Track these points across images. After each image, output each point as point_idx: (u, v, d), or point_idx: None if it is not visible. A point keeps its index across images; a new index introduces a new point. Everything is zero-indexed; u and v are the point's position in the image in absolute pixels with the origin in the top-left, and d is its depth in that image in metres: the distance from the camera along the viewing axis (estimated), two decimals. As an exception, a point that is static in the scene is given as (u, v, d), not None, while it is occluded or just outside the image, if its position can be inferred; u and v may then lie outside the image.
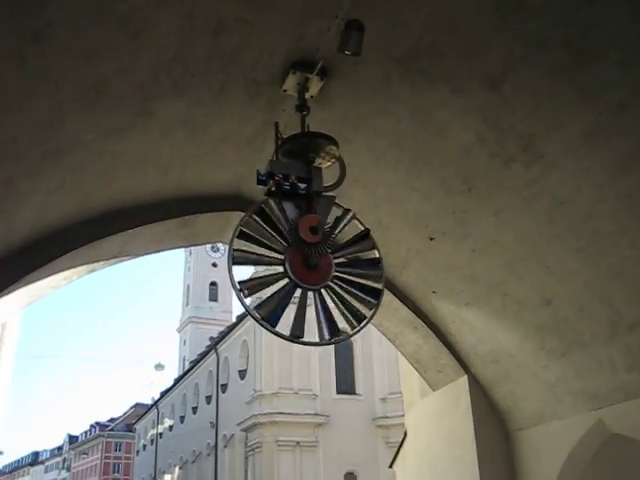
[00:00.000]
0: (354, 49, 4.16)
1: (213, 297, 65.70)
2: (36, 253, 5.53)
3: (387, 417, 32.46)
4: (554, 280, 5.52)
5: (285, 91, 4.82)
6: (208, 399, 42.28)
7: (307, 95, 4.79)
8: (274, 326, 4.06)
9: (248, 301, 4.15)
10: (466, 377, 6.91)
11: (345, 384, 35.21)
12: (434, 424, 7.56)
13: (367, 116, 5.21)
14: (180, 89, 4.65)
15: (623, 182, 4.64)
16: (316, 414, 33.34)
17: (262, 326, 4.07)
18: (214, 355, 41.25)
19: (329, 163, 4.62)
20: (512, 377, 6.52)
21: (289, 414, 32.57)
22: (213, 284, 65.45)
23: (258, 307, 4.10)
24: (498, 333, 6.37)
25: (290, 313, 4.13)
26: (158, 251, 6.83)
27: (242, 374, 36.84)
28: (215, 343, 42.03)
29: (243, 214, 4.92)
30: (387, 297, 6.85)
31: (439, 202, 5.70)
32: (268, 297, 4.13)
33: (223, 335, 40.89)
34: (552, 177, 4.95)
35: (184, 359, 62.37)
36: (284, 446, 32.15)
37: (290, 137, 4.50)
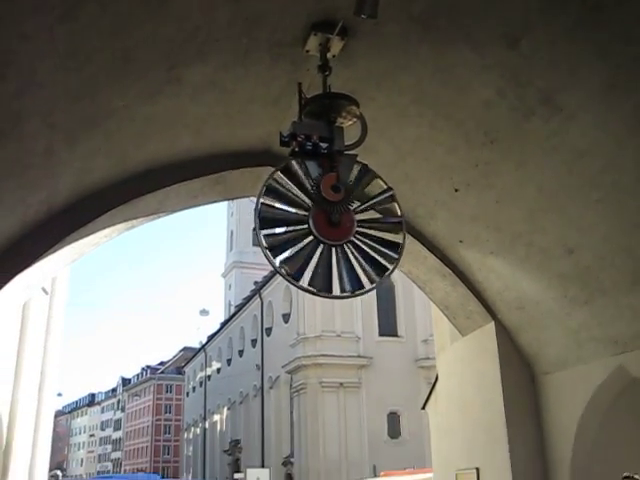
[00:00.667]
0: (369, 12, 4.26)
1: (256, 242, 66.05)
2: (77, 214, 5.85)
3: (429, 358, 32.89)
4: (575, 231, 5.65)
5: (308, 52, 4.94)
6: (253, 342, 43.39)
7: (329, 55, 4.90)
8: (298, 280, 4.31)
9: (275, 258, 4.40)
10: (493, 323, 7.12)
11: (387, 326, 35.76)
12: (464, 368, 7.83)
13: (389, 74, 5.32)
14: (205, 55, 4.83)
15: (641, 135, 4.71)
16: (359, 356, 34.03)
17: (288, 281, 4.32)
18: (258, 300, 42.10)
19: (351, 122, 4.78)
20: (537, 323, 6.71)
21: (332, 356, 33.31)
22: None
23: (284, 262, 4.35)
24: (523, 281, 6.54)
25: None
26: (194, 206, 7.09)
27: (286, 318, 37.62)
28: (259, 288, 42.82)
29: (273, 169, 5.18)
30: (416, 246, 7.07)
31: (462, 155, 5.83)
32: (293, 253, 4.38)
33: (267, 280, 41.59)
34: (571, 130, 5.04)
35: (229, 303, 63.67)
36: (328, 387, 33.00)
37: (311, 98, 4.67)
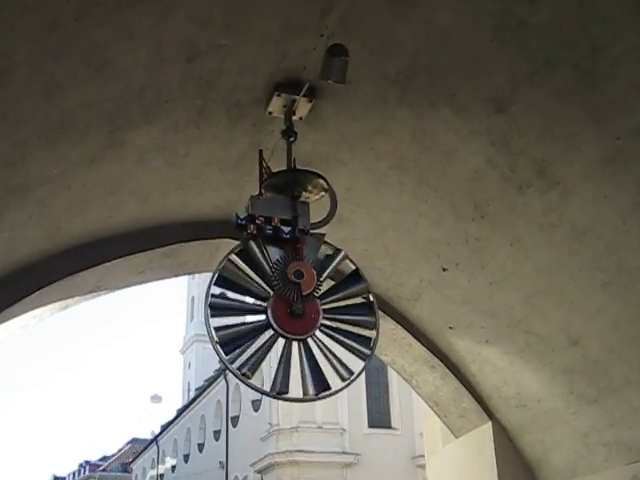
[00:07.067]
0: (337, 77, 4.58)
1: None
2: (3, 292, 6.03)
3: (429, 455, 32.68)
4: (580, 317, 5.90)
5: (271, 113, 5.24)
6: (216, 434, 42.98)
7: (295, 117, 5.20)
8: (251, 378, 4.52)
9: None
10: (490, 423, 7.28)
11: (379, 416, 35.64)
12: (457, 475, 7.94)
13: (364, 137, 5.61)
14: (153, 116, 5.11)
15: (648, 212, 5.03)
16: (344, 452, 33.76)
17: (241, 380, 4.52)
18: (223, 382, 41.83)
19: (318, 197, 5.06)
20: (540, 424, 6.89)
21: (312, 452, 32.96)
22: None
23: (237, 359, 4.54)
24: (523, 374, 6.75)
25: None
26: (140, 283, 7.31)
27: (256, 405, 37.38)
28: (225, 368, 42.56)
29: (233, 241, 5.41)
30: (399, 332, 7.29)
31: (450, 229, 6.11)
32: (249, 348, 4.57)
33: (234, 358, 41.34)
34: (571, 205, 5.34)
35: (189, 385, 63.25)
36: (306, 490, 32.65)
37: (273, 174, 4.94)
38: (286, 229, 4.72)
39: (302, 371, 4.59)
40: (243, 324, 4.64)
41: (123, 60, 4.45)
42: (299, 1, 4.38)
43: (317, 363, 4.62)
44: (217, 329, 4.48)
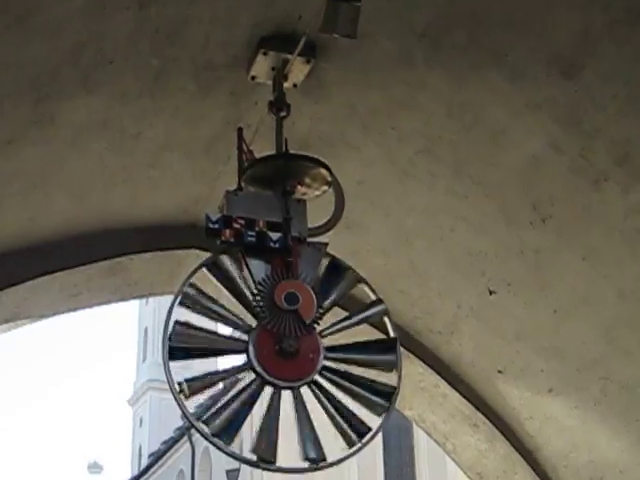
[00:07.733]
0: (345, 30, 4.56)
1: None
2: None
3: None
4: (677, 359, 5.89)
5: (254, 78, 5.25)
6: (179, 517, 42.93)
7: (287, 84, 5.21)
8: (230, 442, 4.49)
9: (192, 407, 4.59)
10: (554, 503, 7.26)
11: (401, 487, 35.57)
12: None
13: (382, 112, 5.62)
14: (93, 83, 5.11)
15: None
16: (353, 542, 33.72)
17: (212, 444, 4.50)
18: (187, 445, 41.72)
19: (318, 192, 5.04)
20: (623, 505, 6.86)
21: (309, 540, 32.91)
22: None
23: (206, 414, 4.52)
24: (599, 436, 6.72)
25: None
26: (73, 309, 7.26)
27: (232, 476, 37.26)
28: (189, 426, 42.49)
29: (203, 253, 5.39)
30: (430, 378, 7.26)
31: (499, 237, 6.09)
32: (223, 401, 4.56)
33: (202, 412, 41.35)
34: (665, 206, 5.34)
35: (140, 449, 63.20)
36: None
37: (257, 160, 4.93)
38: (275, 236, 4.71)
39: (299, 431, 4.57)
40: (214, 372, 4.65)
41: (52, 9, 4.44)
42: None
43: (311, 421, 4.59)
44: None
